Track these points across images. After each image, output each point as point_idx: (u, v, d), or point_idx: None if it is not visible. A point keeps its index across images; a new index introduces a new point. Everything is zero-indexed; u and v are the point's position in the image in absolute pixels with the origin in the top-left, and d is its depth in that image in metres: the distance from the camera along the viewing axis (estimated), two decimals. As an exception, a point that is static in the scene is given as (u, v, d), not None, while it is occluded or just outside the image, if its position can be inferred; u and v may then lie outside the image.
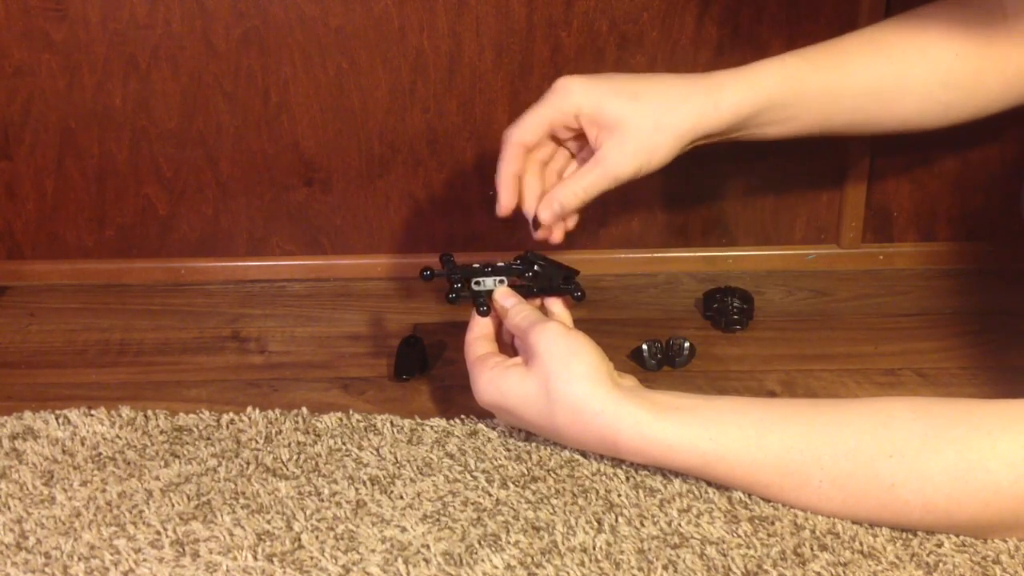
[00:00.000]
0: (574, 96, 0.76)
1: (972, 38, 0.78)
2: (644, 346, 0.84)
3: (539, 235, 0.79)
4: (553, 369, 0.69)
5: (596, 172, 0.76)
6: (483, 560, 0.64)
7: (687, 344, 0.84)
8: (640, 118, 0.75)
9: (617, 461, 0.72)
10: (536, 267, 0.77)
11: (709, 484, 0.70)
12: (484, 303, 0.76)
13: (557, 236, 0.79)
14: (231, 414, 0.78)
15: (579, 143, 0.80)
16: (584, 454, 0.73)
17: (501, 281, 0.78)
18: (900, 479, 0.63)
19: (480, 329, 0.77)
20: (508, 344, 0.78)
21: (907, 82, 0.79)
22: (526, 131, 0.77)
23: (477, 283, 0.78)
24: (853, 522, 0.66)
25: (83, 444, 0.76)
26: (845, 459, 0.64)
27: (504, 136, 0.77)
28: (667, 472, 0.71)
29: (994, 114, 0.81)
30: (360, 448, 0.75)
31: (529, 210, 0.79)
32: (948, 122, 0.81)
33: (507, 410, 0.72)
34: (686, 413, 0.68)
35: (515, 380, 0.71)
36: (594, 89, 0.76)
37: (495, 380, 0.72)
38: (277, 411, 0.79)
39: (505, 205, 0.77)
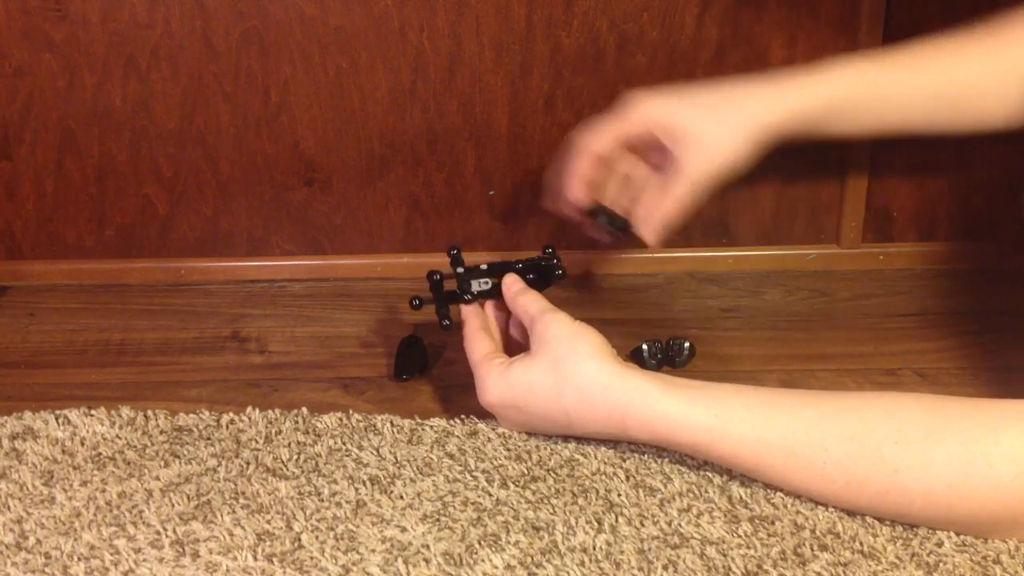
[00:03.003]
0: (647, 108, 0.78)
1: None
2: (644, 346, 0.84)
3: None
4: (560, 351, 0.71)
5: (680, 184, 0.78)
6: (483, 560, 0.64)
7: (687, 344, 0.84)
8: (716, 124, 0.78)
9: (617, 461, 0.72)
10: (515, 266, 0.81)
11: (709, 484, 0.70)
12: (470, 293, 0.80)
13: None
14: (231, 414, 0.78)
15: (659, 155, 0.81)
16: (584, 454, 0.73)
17: (485, 282, 0.80)
18: (904, 465, 0.63)
19: (478, 319, 0.78)
20: (505, 332, 0.80)
21: (983, 83, 0.79)
22: (596, 137, 0.79)
23: (469, 295, 0.80)
24: (853, 512, 0.67)
25: (83, 444, 0.76)
26: (851, 442, 0.65)
27: (574, 141, 0.80)
28: (667, 471, 0.71)
29: None
30: (360, 448, 0.75)
31: (571, 190, 0.81)
32: None
33: (513, 403, 0.72)
34: (693, 390, 0.69)
35: (521, 369, 0.72)
36: (666, 101, 0.79)
37: (504, 375, 0.73)
38: (277, 411, 0.79)
39: (572, 198, 0.80)
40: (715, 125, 0.77)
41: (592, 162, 0.79)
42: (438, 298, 0.81)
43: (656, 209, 0.78)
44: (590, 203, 0.80)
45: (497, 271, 0.80)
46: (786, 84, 0.79)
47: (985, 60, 0.79)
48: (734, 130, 0.77)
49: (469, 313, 0.79)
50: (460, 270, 0.80)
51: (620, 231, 0.80)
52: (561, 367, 0.70)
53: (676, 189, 0.78)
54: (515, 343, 0.80)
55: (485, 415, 0.77)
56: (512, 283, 0.79)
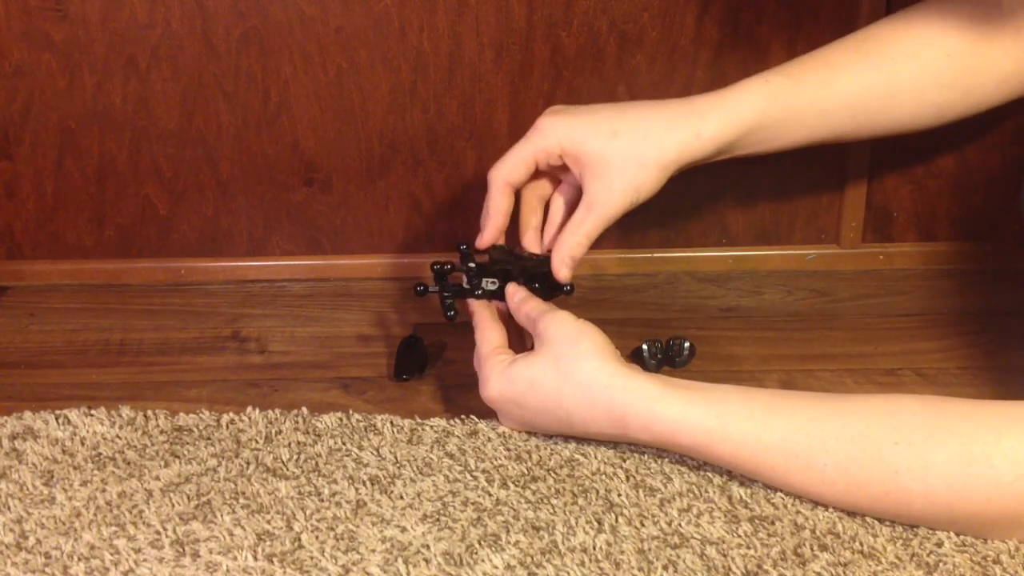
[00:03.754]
0: (555, 135, 0.77)
1: (966, 34, 0.77)
2: (644, 346, 0.84)
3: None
4: (562, 349, 0.71)
5: (591, 218, 0.77)
6: (483, 560, 0.64)
7: (687, 344, 0.84)
8: (622, 156, 0.76)
9: (617, 461, 0.72)
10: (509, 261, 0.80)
11: (709, 484, 0.70)
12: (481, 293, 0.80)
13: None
14: (231, 414, 0.78)
15: (568, 177, 0.81)
16: (584, 454, 0.73)
17: (493, 282, 0.80)
18: (904, 466, 0.63)
19: (488, 310, 0.79)
20: (511, 330, 0.79)
21: (898, 88, 0.78)
22: (510, 170, 0.79)
23: (479, 292, 0.80)
24: (854, 512, 0.67)
25: (83, 444, 0.76)
26: (851, 443, 0.64)
27: (489, 176, 0.79)
28: (667, 471, 0.71)
29: (990, 109, 0.81)
30: (360, 448, 0.75)
31: (528, 244, 0.81)
32: (943, 122, 0.81)
33: (513, 400, 0.72)
34: (693, 391, 0.69)
35: (523, 366, 0.72)
36: (574, 127, 0.77)
37: (505, 371, 0.73)
38: (277, 411, 0.79)
39: (486, 241, 0.79)
40: (627, 161, 0.76)
41: (508, 195, 0.79)
42: (442, 288, 0.80)
43: (566, 247, 0.77)
44: (488, 248, 0.80)
45: (503, 273, 0.80)
46: (700, 110, 0.77)
47: (898, 64, 0.78)
48: (644, 164, 0.76)
49: (480, 305, 0.79)
50: (471, 265, 0.80)
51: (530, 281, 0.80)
52: (562, 365, 0.70)
53: (585, 226, 0.77)
54: (520, 341, 0.79)
55: (485, 415, 0.77)
56: (514, 292, 0.78)
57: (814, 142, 0.80)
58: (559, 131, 0.77)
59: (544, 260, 0.79)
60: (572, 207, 0.80)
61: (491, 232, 0.79)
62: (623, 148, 0.76)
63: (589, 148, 0.76)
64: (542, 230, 0.82)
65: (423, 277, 0.82)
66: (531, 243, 0.81)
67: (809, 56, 0.80)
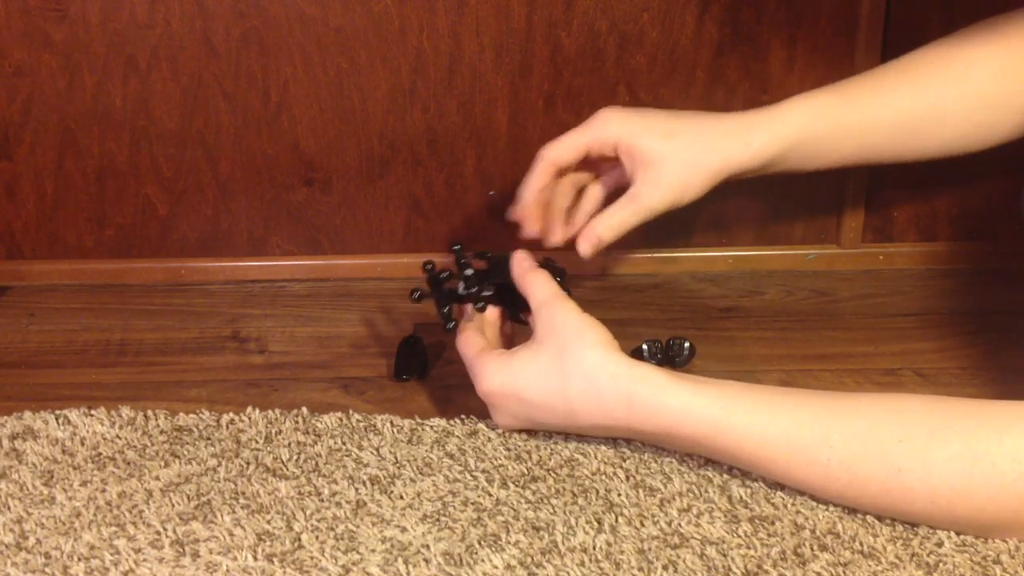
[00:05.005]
0: (613, 127, 0.80)
1: (1012, 53, 0.78)
2: (644, 346, 0.84)
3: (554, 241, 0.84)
4: (567, 340, 0.71)
5: (632, 208, 0.80)
6: (483, 560, 0.64)
7: (687, 344, 0.84)
8: (674, 156, 0.79)
9: (617, 461, 0.72)
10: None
11: (709, 484, 0.70)
12: (481, 305, 0.79)
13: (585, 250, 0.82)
14: (231, 414, 0.78)
15: (611, 172, 0.84)
16: (584, 454, 0.73)
17: (489, 288, 0.79)
18: (907, 465, 0.63)
19: (472, 320, 0.78)
20: (500, 335, 0.80)
21: (942, 111, 0.80)
22: (562, 151, 0.81)
23: (478, 303, 0.79)
24: (854, 511, 0.67)
25: (83, 444, 0.76)
26: (855, 440, 0.65)
27: (539, 153, 0.81)
28: (667, 471, 0.71)
29: None
30: (360, 448, 0.75)
31: (550, 228, 0.84)
32: (993, 143, 0.81)
33: (514, 392, 0.72)
34: (699, 383, 0.69)
35: (527, 358, 0.72)
36: (632, 123, 0.80)
37: (504, 365, 0.73)
38: (277, 411, 0.79)
39: (520, 210, 0.82)
40: (678, 161, 0.79)
41: (548, 174, 0.82)
42: (438, 296, 0.80)
43: (600, 226, 0.80)
44: (489, 256, 0.81)
45: (496, 272, 0.79)
46: (750, 122, 0.80)
47: (944, 86, 0.79)
48: (696, 169, 0.79)
49: (464, 315, 0.79)
50: (469, 272, 0.80)
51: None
52: (568, 355, 0.70)
53: (624, 213, 0.80)
54: (510, 345, 0.79)
55: (485, 415, 0.77)
56: (522, 259, 0.78)
57: (858, 162, 0.83)
58: (617, 125, 0.80)
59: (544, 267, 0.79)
60: (607, 198, 0.83)
61: (524, 206, 0.82)
62: (677, 148, 0.79)
63: (645, 144, 0.79)
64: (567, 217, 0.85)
65: (423, 278, 0.82)
66: (555, 224, 0.84)
67: (859, 76, 0.82)
